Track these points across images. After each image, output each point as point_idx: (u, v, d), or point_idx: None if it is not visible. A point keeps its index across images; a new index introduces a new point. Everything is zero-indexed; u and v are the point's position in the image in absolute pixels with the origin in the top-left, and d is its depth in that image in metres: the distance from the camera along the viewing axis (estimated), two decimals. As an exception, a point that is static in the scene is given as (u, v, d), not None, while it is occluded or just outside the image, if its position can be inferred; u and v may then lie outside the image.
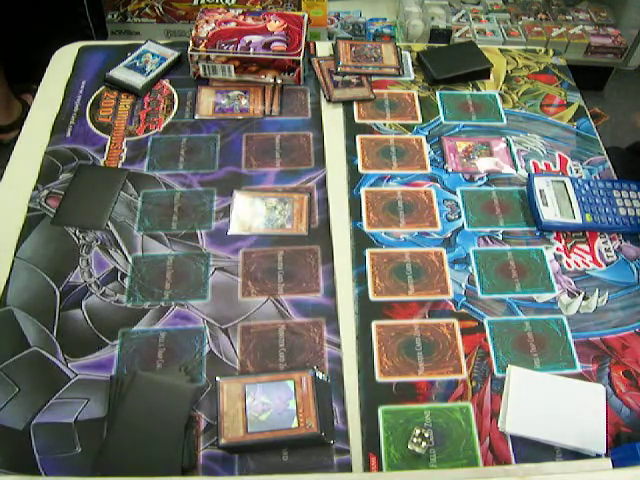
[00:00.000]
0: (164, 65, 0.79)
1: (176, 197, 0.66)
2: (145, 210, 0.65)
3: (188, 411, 0.50)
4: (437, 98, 0.79)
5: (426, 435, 0.50)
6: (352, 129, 0.74)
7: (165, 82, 0.79)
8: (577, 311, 0.59)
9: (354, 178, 0.69)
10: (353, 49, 0.84)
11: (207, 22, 0.78)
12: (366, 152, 0.72)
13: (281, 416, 0.49)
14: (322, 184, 0.68)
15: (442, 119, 0.76)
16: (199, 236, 0.63)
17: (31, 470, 0.47)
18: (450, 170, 0.70)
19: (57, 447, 0.49)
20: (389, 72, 0.81)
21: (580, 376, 0.54)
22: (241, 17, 0.79)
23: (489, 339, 0.56)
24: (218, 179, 0.68)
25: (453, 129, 0.75)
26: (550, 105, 0.80)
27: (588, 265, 0.63)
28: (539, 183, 0.67)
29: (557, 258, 0.63)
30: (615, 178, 0.71)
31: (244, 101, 0.77)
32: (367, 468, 0.49)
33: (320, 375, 0.52)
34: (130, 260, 0.60)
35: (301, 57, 0.75)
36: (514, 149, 0.74)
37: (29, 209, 0.64)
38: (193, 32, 0.77)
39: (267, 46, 0.75)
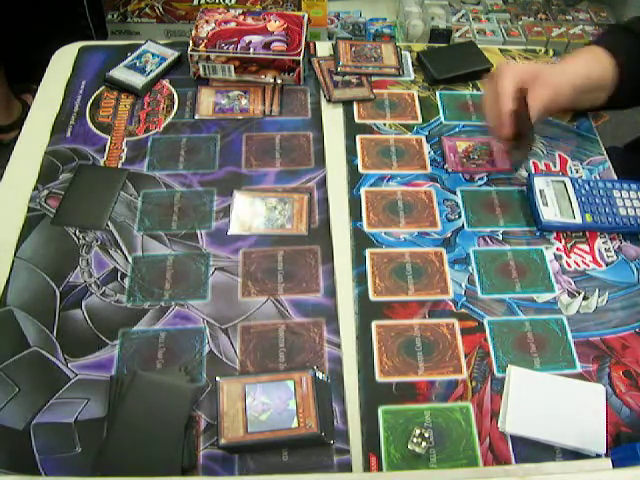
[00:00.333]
0: (164, 65, 0.79)
1: (176, 197, 0.66)
2: (145, 210, 0.65)
3: (188, 411, 0.50)
4: (437, 98, 0.79)
5: (426, 435, 0.50)
6: (352, 129, 0.74)
7: (165, 82, 0.79)
8: (577, 311, 0.59)
9: (354, 178, 0.69)
10: (353, 49, 0.84)
11: (207, 22, 0.78)
12: (366, 152, 0.72)
13: (281, 416, 0.49)
14: (322, 184, 0.68)
15: (442, 119, 0.76)
16: (199, 236, 0.63)
17: (31, 470, 0.47)
18: (450, 170, 0.70)
19: (57, 447, 0.49)
20: (389, 72, 0.81)
21: (580, 376, 0.54)
22: (241, 17, 0.79)
23: (489, 339, 0.57)
24: (218, 179, 0.68)
25: (453, 129, 0.75)
26: (550, 105, 0.80)
27: (588, 265, 0.63)
28: (539, 183, 0.67)
29: (557, 258, 0.63)
30: (615, 178, 0.72)
31: (244, 101, 0.77)
32: (367, 468, 0.49)
33: (320, 375, 0.52)
34: (130, 260, 0.60)
35: (301, 57, 0.75)
36: (514, 149, 0.74)
37: (29, 209, 0.64)
38: (193, 32, 0.77)
39: (267, 46, 0.75)
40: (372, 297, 0.59)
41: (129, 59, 0.79)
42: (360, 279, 0.60)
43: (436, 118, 0.76)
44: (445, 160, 0.71)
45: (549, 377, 0.54)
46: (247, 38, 0.76)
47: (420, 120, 0.76)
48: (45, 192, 0.66)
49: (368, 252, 0.62)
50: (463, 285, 0.60)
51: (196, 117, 0.74)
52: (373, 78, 0.80)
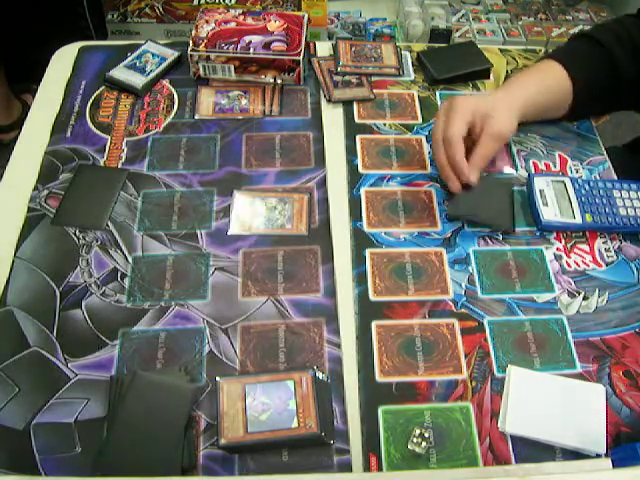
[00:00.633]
0: (164, 65, 0.79)
1: (176, 197, 0.66)
2: (145, 210, 0.65)
3: (188, 411, 0.50)
4: (437, 98, 0.79)
5: (426, 435, 0.50)
6: (352, 129, 0.74)
7: (165, 82, 0.79)
8: (577, 311, 0.59)
9: (354, 178, 0.69)
10: (353, 49, 0.84)
11: (207, 22, 0.78)
12: (366, 152, 0.72)
13: (281, 416, 0.49)
14: (322, 184, 0.68)
15: (442, 119, 0.76)
16: (199, 236, 0.63)
17: (31, 470, 0.47)
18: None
19: (57, 447, 0.49)
20: (389, 72, 0.81)
21: (580, 376, 0.54)
22: (241, 17, 0.79)
23: (489, 339, 0.56)
24: (218, 179, 0.68)
25: (453, 129, 0.75)
26: (550, 105, 0.80)
27: (588, 265, 0.63)
28: (539, 183, 0.67)
29: (557, 258, 0.63)
30: (615, 178, 0.72)
31: (244, 101, 0.77)
32: (367, 468, 0.49)
33: (320, 375, 0.52)
34: (130, 260, 0.60)
35: (301, 57, 0.75)
36: (514, 149, 0.74)
37: (29, 209, 0.64)
38: (193, 32, 0.77)
39: (267, 46, 0.76)
40: (372, 297, 0.59)
41: (129, 59, 0.79)
42: (360, 279, 0.60)
43: (436, 118, 0.76)
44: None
45: (549, 377, 0.54)
46: (247, 38, 0.76)
47: (420, 120, 0.76)
48: (45, 192, 0.66)
49: (368, 252, 0.62)
50: (463, 285, 0.60)
51: (196, 117, 0.74)
52: (373, 78, 0.80)
